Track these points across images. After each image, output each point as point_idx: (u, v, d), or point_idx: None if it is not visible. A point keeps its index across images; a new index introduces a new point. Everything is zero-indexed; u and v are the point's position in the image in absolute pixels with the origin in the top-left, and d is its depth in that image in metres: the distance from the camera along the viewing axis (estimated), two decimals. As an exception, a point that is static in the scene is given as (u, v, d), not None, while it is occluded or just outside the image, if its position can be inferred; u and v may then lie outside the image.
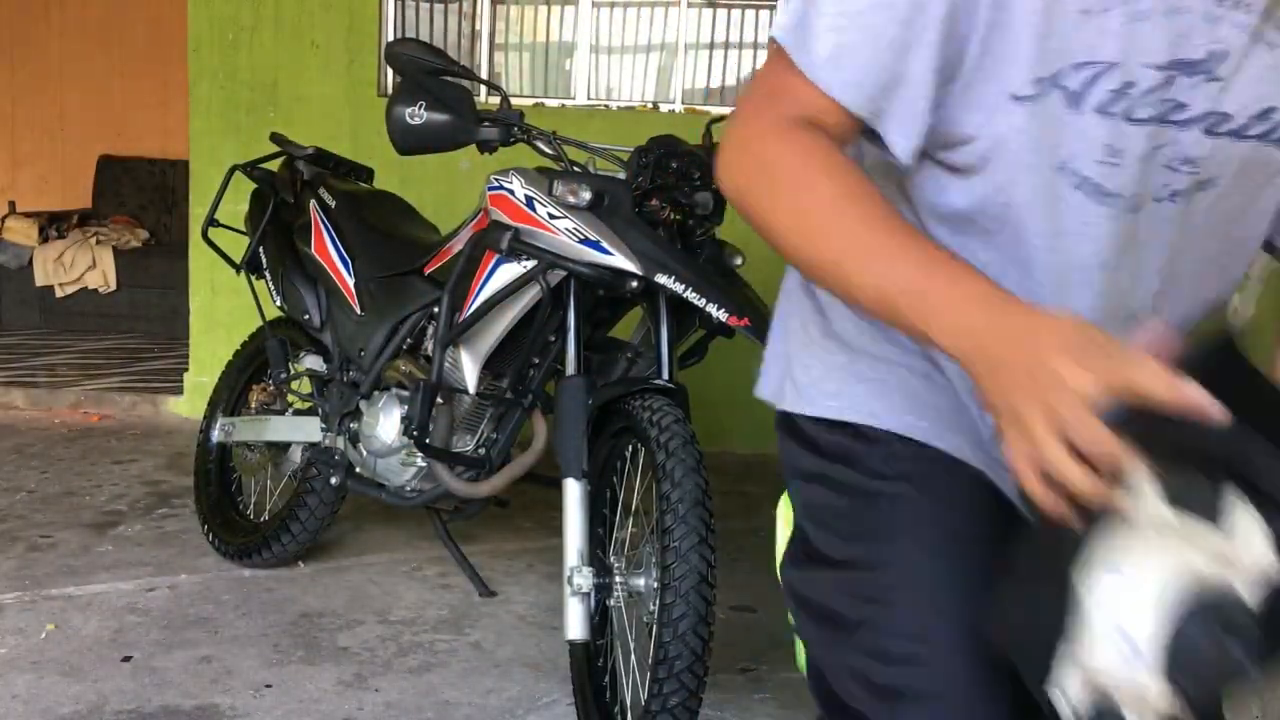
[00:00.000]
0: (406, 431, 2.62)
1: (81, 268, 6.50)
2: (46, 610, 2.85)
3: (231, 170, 3.25)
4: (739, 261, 2.52)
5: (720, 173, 1.05)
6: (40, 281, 6.53)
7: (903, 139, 0.99)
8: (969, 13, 0.95)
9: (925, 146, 1.01)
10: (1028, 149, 0.98)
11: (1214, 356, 0.90)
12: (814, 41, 0.98)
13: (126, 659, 2.61)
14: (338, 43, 4.72)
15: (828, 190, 0.97)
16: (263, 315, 3.24)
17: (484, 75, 4.91)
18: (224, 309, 4.83)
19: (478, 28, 5.02)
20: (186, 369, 5.01)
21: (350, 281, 2.95)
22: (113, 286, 6.55)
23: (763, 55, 5.16)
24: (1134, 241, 1.02)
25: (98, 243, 6.59)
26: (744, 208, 1.03)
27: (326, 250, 3.02)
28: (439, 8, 5.01)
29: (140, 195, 7.24)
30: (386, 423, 2.77)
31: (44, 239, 6.59)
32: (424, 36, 4.93)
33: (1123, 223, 1.01)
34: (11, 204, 7.12)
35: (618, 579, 2.27)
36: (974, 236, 1.04)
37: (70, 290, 6.54)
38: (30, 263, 6.53)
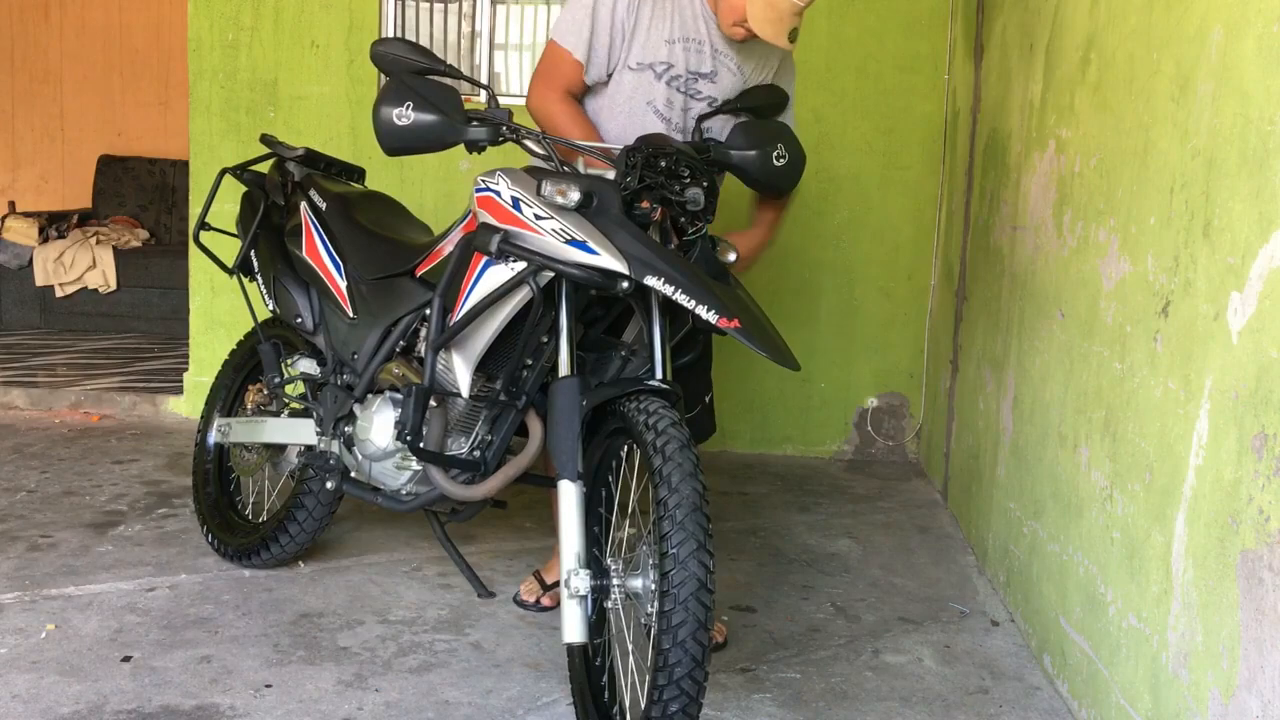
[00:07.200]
0: (400, 435, 2.60)
1: (81, 268, 6.51)
2: (46, 610, 2.86)
3: (221, 173, 3.21)
4: (732, 258, 2.51)
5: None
6: (40, 281, 6.54)
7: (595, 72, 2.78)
8: (616, 25, 2.72)
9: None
10: (633, 90, 2.77)
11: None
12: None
13: (126, 659, 2.62)
14: (338, 43, 4.73)
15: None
16: (255, 318, 3.22)
17: (484, 75, 4.92)
18: (224, 309, 4.84)
19: (477, 28, 5.02)
20: (186, 369, 5.02)
21: (342, 284, 2.91)
22: (113, 286, 6.56)
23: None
24: (671, 126, 2.78)
25: (98, 243, 6.60)
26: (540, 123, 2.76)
27: (317, 252, 2.99)
28: (439, 8, 5.01)
29: (140, 195, 7.24)
30: (380, 426, 2.73)
31: (44, 239, 6.60)
32: (423, 36, 4.94)
33: (669, 124, 2.77)
34: (11, 204, 7.13)
35: (615, 581, 2.25)
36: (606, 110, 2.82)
37: (70, 290, 6.55)
38: (30, 263, 6.54)
